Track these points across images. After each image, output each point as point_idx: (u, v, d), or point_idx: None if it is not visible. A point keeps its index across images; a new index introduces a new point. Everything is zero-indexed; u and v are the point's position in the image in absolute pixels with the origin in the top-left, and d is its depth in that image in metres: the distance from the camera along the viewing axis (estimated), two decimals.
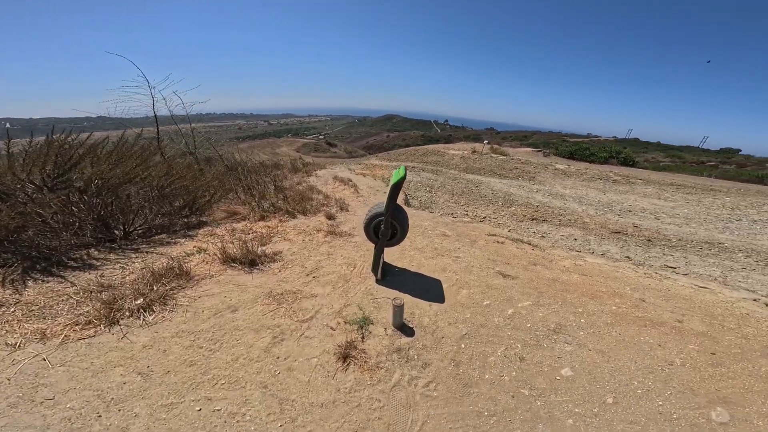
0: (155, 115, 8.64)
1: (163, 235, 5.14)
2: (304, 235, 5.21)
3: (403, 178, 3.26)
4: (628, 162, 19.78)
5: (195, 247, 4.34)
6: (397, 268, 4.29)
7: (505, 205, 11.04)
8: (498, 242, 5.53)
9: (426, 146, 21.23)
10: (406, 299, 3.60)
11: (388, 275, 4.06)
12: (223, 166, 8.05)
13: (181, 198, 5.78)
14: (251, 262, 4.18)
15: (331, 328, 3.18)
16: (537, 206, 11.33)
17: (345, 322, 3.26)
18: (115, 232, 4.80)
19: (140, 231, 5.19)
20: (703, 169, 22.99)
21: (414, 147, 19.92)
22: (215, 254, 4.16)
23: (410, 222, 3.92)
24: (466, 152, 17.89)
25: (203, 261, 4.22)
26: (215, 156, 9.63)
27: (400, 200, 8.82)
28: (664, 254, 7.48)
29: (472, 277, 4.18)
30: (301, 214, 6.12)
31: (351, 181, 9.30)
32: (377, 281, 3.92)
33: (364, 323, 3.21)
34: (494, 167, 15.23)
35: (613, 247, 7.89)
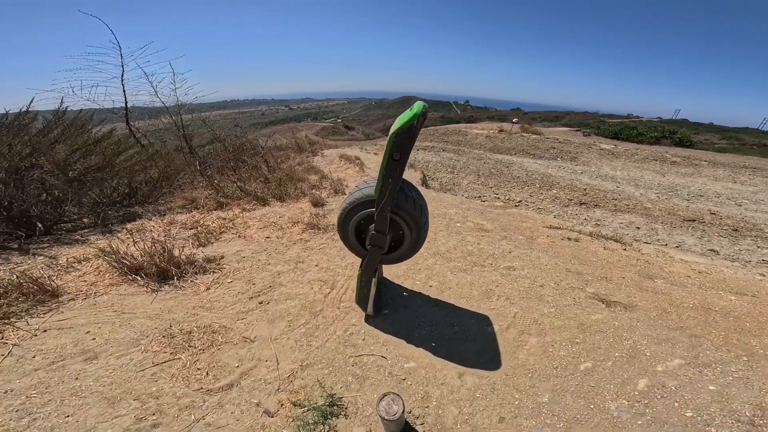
0: (123, 88, 6.96)
1: (86, 230, 3.64)
2: (273, 229, 3.55)
3: (419, 119, 1.47)
4: (684, 142, 16.91)
5: (99, 249, 2.73)
6: (405, 290, 2.54)
7: (544, 187, 9.18)
8: (569, 239, 3.68)
9: (446, 126, 19.15)
10: (419, 361, 1.90)
11: (385, 308, 2.34)
12: (186, 147, 6.32)
13: (122, 185, 4.27)
14: (162, 273, 2.56)
15: (268, 414, 1.56)
16: (584, 189, 9.42)
17: (294, 405, 1.64)
18: (39, 226, 3.34)
19: (68, 225, 3.70)
20: None
21: (433, 127, 17.92)
22: (121, 260, 2.58)
23: (429, 209, 2.10)
24: (492, 131, 15.74)
25: (96, 270, 2.64)
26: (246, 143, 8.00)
27: (414, 180, 7.08)
28: (758, 247, 5.62)
29: (546, 307, 2.41)
30: (277, 199, 4.44)
31: (358, 159, 7.56)
32: (367, 318, 2.22)
33: (326, 416, 1.55)
34: (526, 147, 13.01)
35: (688, 238, 6.09)
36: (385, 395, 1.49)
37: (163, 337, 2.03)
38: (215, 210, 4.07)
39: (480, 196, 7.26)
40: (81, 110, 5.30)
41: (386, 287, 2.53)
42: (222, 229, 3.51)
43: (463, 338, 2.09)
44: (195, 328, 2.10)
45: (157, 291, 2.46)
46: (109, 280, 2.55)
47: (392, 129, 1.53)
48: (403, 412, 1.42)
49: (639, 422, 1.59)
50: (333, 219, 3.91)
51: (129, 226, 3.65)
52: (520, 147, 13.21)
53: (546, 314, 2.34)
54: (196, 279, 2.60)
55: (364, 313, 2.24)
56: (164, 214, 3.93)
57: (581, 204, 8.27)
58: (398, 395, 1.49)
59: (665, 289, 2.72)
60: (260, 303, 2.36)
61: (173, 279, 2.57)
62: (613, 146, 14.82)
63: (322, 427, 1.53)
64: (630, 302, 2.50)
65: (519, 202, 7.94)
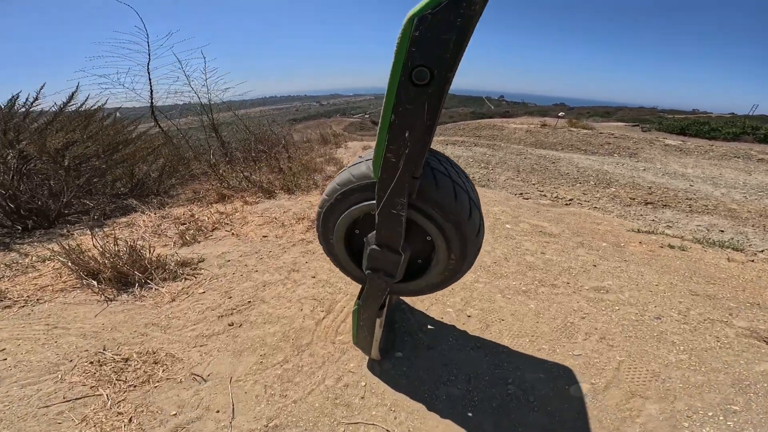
0: (149, 78, 6.77)
1: (80, 223, 3.28)
2: (273, 226, 2.95)
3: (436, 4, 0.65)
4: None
5: (62, 247, 2.25)
6: (430, 322, 1.79)
7: (600, 185, 8.06)
8: (671, 246, 2.75)
9: (478, 120, 17.89)
10: None
11: (399, 348, 1.61)
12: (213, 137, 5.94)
13: (125, 175, 3.92)
14: (123, 279, 2.03)
15: None
16: (649, 187, 8.21)
17: None
18: (31, 220, 3.06)
19: (72, 218, 3.39)
20: None
21: (464, 122, 16.81)
22: (77, 261, 2.10)
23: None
24: (532, 126, 14.40)
25: (56, 272, 2.19)
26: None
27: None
28: None
29: (671, 353, 1.58)
30: (285, 192, 3.86)
31: None
32: (371, 363, 1.50)
33: None
34: (576, 142, 11.62)
35: None
36: None
37: (90, 363, 1.48)
38: (216, 203, 3.57)
39: (522, 194, 6.34)
40: (119, 108, 5.12)
41: (401, 315, 1.79)
42: (215, 225, 2.97)
43: (524, 404, 1.31)
44: (134, 355, 1.52)
45: (110, 301, 1.93)
46: (62, 285, 2.06)
47: (410, 14, 0.69)
48: None
49: None
50: None
51: (122, 220, 3.23)
52: (569, 142, 11.91)
53: (673, 364, 1.47)
54: (162, 287, 2.04)
55: (367, 358, 1.53)
56: (161, 207, 3.48)
57: (647, 203, 7.12)
58: None
59: None
60: (230, 325, 1.73)
61: (135, 286, 2.02)
62: (680, 142, 13.00)
63: None
64: None
65: (570, 200, 6.93)
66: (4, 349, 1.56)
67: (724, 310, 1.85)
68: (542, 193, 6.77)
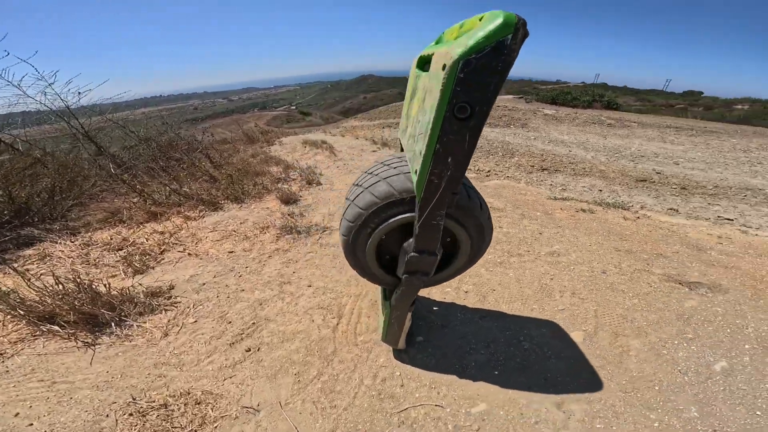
0: None
1: None
2: (235, 240, 2.76)
3: (517, 34, 0.73)
4: (612, 105, 18.36)
5: None
6: (434, 303, 2.01)
7: (507, 155, 9.31)
8: (583, 211, 3.42)
9: None
10: (490, 400, 1.43)
11: (417, 333, 1.81)
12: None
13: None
14: (91, 320, 1.75)
15: None
16: (541, 155, 9.73)
17: None
18: None
19: None
20: (677, 111, 22.26)
21: (396, 104, 17.17)
22: (34, 305, 1.69)
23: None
24: None
25: None
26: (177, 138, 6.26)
27: (358, 149, 6.32)
28: (709, 204, 6.12)
29: (625, 299, 2.06)
30: (232, 201, 3.56)
31: (325, 143, 6.71)
32: (397, 353, 1.67)
33: None
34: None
35: (647, 198, 6.44)
36: None
37: (130, 415, 1.32)
38: (147, 222, 3.11)
39: None
40: None
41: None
42: (162, 247, 2.63)
43: (541, 356, 1.64)
44: (169, 399, 1.39)
45: (92, 345, 1.66)
46: (16, 335, 1.67)
47: (455, 55, 0.76)
48: None
49: None
50: (316, 216, 3.20)
51: (28, 252, 2.60)
52: None
53: (631, 308, 1.97)
54: (145, 322, 1.81)
55: (392, 349, 1.68)
56: (74, 234, 2.89)
57: (543, 170, 8.42)
58: None
59: (727, 261, 2.51)
60: (248, 351, 1.67)
61: (110, 326, 1.75)
62: (554, 111, 15.54)
63: None
64: (712, 282, 2.23)
65: (488, 172, 7.83)
66: (18, 413, 1.29)
67: (642, 261, 2.47)
68: (470, 169, 7.50)
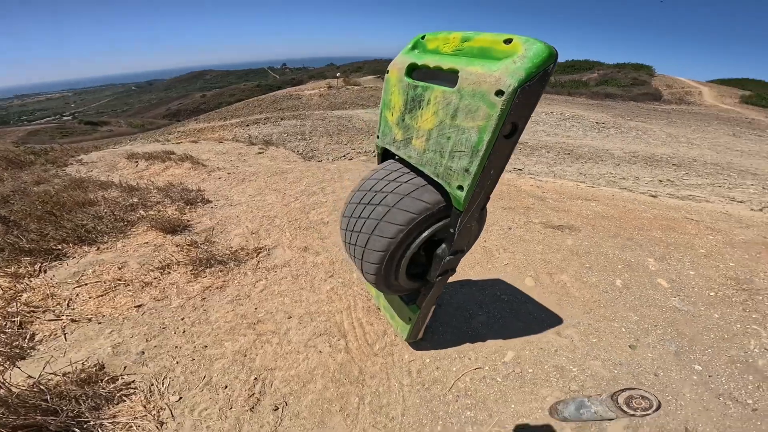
0: None
1: None
2: (130, 291, 2.12)
3: (554, 64, 0.86)
4: None
5: None
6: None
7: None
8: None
9: (273, 93, 17.10)
10: (514, 347, 1.68)
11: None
12: None
13: None
14: None
15: None
16: None
17: None
18: None
19: None
20: None
21: (257, 97, 15.65)
22: None
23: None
24: (322, 89, 15.41)
25: None
26: None
27: (283, 156, 5.89)
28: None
29: (535, 245, 2.58)
30: (76, 243, 2.62)
31: (173, 153, 5.46)
32: (416, 345, 1.73)
33: None
34: (355, 99, 13.40)
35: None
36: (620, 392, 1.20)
37: None
38: None
39: (345, 155, 6.93)
40: None
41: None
42: (26, 321, 1.81)
43: (519, 302, 2.00)
44: None
45: None
46: None
47: (514, 82, 0.83)
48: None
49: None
50: (232, 240, 2.71)
51: None
52: (351, 100, 13.52)
53: (543, 251, 2.50)
54: (115, 416, 1.27)
55: (408, 343, 1.70)
56: None
57: None
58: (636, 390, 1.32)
59: (562, 206, 3.38)
60: (275, 409, 1.42)
61: None
62: None
63: None
64: (568, 223, 2.98)
65: (374, 152, 8.26)
66: None
67: (523, 215, 3.13)
68: (356, 150, 7.58)
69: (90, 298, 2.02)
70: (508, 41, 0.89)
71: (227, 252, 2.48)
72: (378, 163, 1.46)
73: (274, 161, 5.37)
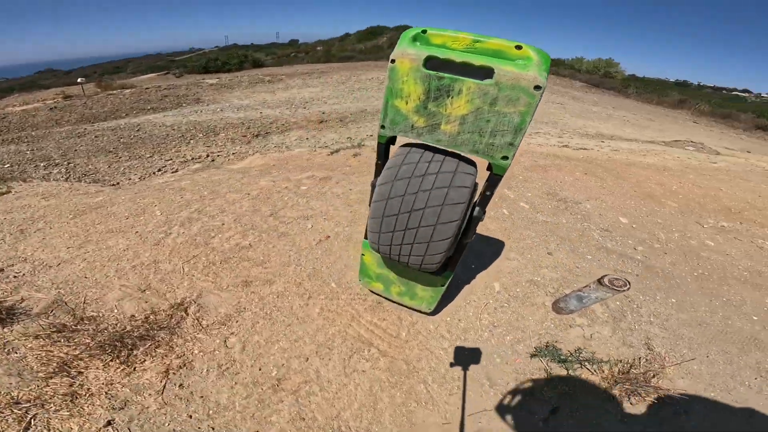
0: None
1: None
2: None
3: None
4: (258, 63, 20.08)
5: None
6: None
7: (210, 134, 8.68)
8: (354, 156, 4.09)
9: None
10: (501, 277, 2.00)
11: None
12: None
13: None
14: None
15: None
16: (242, 123, 9.80)
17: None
18: None
19: None
20: (292, 60, 27.73)
21: None
22: None
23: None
24: (54, 101, 10.72)
25: None
26: None
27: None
28: (358, 128, 8.95)
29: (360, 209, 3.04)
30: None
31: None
32: (431, 315, 1.89)
33: None
34: (133, 104, 10.30)
35: (334, 135, 8.38)
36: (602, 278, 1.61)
37: None
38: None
39: (161, 169, 5.79)
40: None
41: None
42: None
43: (497, 249, 2.48)
44: None
45: None
46: None
47: (543, 80, 1.09)
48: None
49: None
50: (107, 310, 1.93)
51: None
52: (127, 106, 10.53)
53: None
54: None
55: (430, 320, 1.85)
56: None
57: (257, 135, 8.69)
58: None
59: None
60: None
61: None
62: (217, 80, 15.06)
63: None
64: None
65: (207, 156, 7.17)
66: None
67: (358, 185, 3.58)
68: (172, 162, 6.45)
69: None
70: (518, 47, 1.13)
71: (134, 324, 1.76)
72: (378, 155, 1.44)
73: (49, 199, 3.27)
